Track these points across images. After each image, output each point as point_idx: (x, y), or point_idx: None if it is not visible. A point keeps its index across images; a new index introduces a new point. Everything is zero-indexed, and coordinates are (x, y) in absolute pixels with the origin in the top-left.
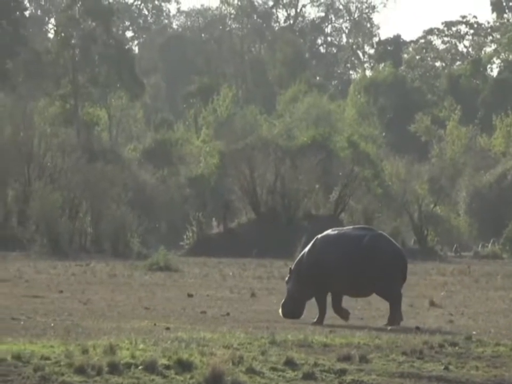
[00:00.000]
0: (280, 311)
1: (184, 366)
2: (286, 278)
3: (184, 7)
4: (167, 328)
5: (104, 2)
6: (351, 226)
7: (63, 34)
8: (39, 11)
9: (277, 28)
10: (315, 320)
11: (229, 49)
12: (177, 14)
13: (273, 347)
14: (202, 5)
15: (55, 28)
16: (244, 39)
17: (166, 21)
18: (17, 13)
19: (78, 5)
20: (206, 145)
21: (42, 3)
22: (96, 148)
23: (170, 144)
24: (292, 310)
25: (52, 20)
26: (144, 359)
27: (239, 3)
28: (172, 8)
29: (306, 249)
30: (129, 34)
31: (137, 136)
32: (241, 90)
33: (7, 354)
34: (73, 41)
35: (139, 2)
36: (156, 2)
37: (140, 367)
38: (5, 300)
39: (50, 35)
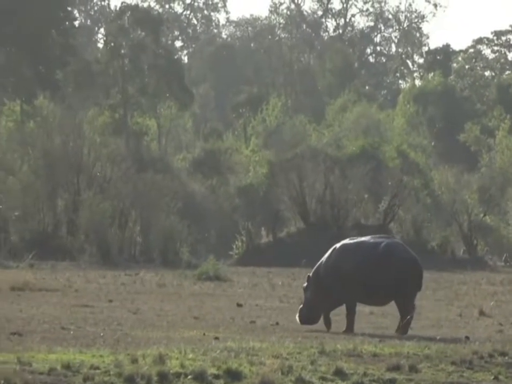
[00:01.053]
0: (297, 317)
1: (233, 376)
2: (304, 285)
3: (233, 17)
4: (216, 338)
5: (153, 12)
6: (369, 236)
7: (112, 44)
8: (88, 21)
9: (326, 38)
10: (344, 329)
11: (278, 58)
12: (227, 24)
13: (323, 357)
14: (251, 15)
15: (104, 38)
16: (293, 49)
17: (216, 31)
18: (67, 23)
19: (128, 15)
20: (255, 154)
21: (92, 13)
22: (145, 158)
23: (219, 154)
24: (309, 317)
25: (102, 30)
26: (193, 368)
27: (288, 13)
28: (221, 18)
29: (325, 257)
30: (178, 44)
31: (186, 145)
32: (290, 100)
33: (57, 363)
34: (122, 51)
35: (188, 12)
36: (205, 12)
37: (189, 377)
38: (54, 309)
39: (100, 45)
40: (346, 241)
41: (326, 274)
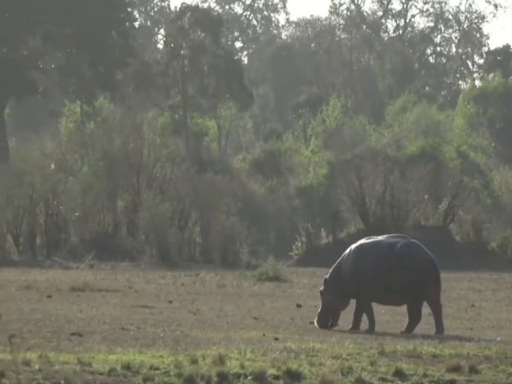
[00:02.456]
0: (315, 321)
1: (293, 377)
2: (321, 288)
3: (293, 18)
4: (276, 339)
5: (213, 13)
6: (385, 235)
7: (172, 45)
8: (148, 22)
9: (386, 38)
10: (367, 328)
11: (338, 59)
12: (286, 25)
13: (382, 358)
14: (311, 15)
15: (164, 39)
16: (353, 50)
17: (275, 32)
18: (127, 23)
19: (188, 16)
20: (315, 155)
21: (152, 14)
22: (205, 158)
23: (279, 155)
24: (327, 319)
25: (162, 31)
26: (253, 369)
27: (349, 13)
28: (281, 18)
29: (341, 258)
30: (238, 44)
31: (246, 146)
32: (350, 101)
33: (117, 364)
34: (182, 52)
35: (248, 13)
36: (265, 12)
37: (249, 378)
38: (114, 310)
39: (160, 46)
40: (363, 241)
41: (344, 275)
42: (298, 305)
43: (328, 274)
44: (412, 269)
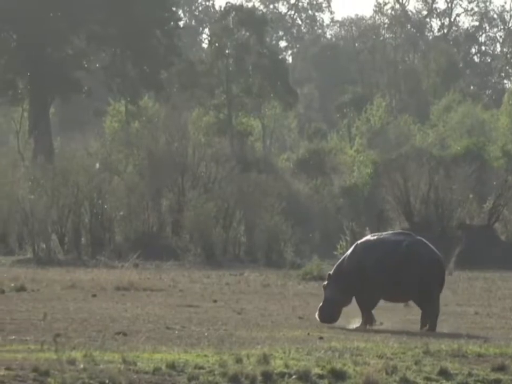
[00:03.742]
0: (317, 315)
1: (337, 376)
2: (324, 283)
3: (337, 17)
4: (321, 338)
5: (258, 12)
6: (391, 232)
7: (217, 45)
8: (193, 21)
9: (430, 37)
10: (359, 324)
11: (383, 58)
12: (331, 24)
13: (427, 357)
14: (356, 15)
15: (209, 38)
16: (397, 49)
17: (320, 31)
18: (172, 23)
19: (232, 15)
20: (360, 154)
21: (197, 13)
22: (249, 158)
23: (323, 154)
24: (329, 314)
25: (206, 30)
26: (297, 368)
27: (393, 12)
28: (326, 17)
29: (347, 254)
30: (282, 44)
31: (290, 146)
32: (394, 100)
33: (162, 363)
34: (227, 51)
35: (293, 12)
36: (310, 12)
37: (294, 377)
38: (159, 309)
39: (204, 45)
40: (369, 237)
41: (349, 271)
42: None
43: (332, 270)
44: (418, 267)
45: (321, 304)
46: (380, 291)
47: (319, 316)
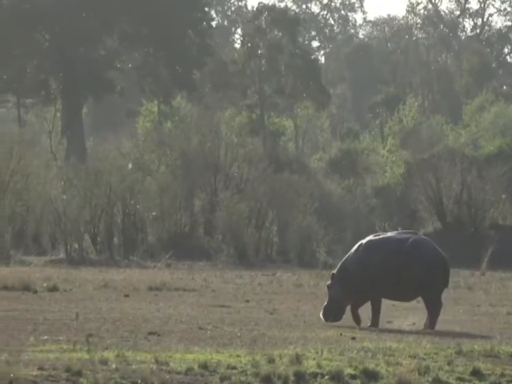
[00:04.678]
0: (321, 314)
1: (370, 376)
2: (328, 283)
3: (370, 17)
4: (353, 338)
5: (290, 12)
6: (395, 231)
7: (249, 45)
8: (225, 21)
9: (463, 38)
10: (370, 324)
11: (415, 59)
12: (364, 24)
13: (460, 357)
14: (388, 15)
15: (241, 38)
16: (430, 49)
17: (352, 31)
18: (204, 23)
19: (265, 15)
20: (392, 155)
21: (229, 13)
22: (282, 158)
23: (356, 154)
24: (333, 314)
25: (239, 30)
26: (330, 368)
27: (426, 13)
28: (358, 17)
29: (350, 253)
30: (315, 44)
31: (323, 146)
32: (427, 100)
33: (194, 363)
34: (259, 52)
35: (325, 12)
36: (342, 12)
37: (326, 377)
38: (192, 309)
39: (237, 45)
40: (372, 237)
41: (353, 271)
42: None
43: (336, 270)
44: (422, 266)
45: (325, 303)
46: (383, 290)
47: (323, 315)
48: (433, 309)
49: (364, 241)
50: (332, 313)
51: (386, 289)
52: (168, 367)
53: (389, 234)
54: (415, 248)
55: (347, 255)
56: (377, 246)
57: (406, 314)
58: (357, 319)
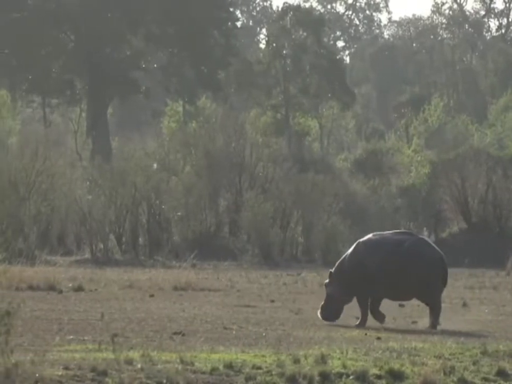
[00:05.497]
0: (319, 313)
1: (395, 376)
2: (326, 282)
3: (395, 17)
4: (378, 338)
5: (315, 13)
6: (392, 231)
7: (274, 45)
8: (250, 21)
9: (488, 37)
10: (357, 323)
11: (440, 58)
12: (389, 24)
13: (485, 357)
14: (413, 15)
15: (266, 38)
16: (455, 49)
17: (377, 31)
18: (229, 23)
19: (290, 15)
20: (417, 155)
21: (254, 14)
22: (307, 158)
23: (381, 154)
24: (331, 312)
25: (264, 30)
26: (355, 369)
27: (451, 12)
28: (383, 18)
29: (348, 253)
30: (340, 44)
31: (348, 146)
32: (452, 100)
33: (219, 363)
34: (284, 52)
35: (350, 12)
36: (367, 12)
37: (351, 377)
38: (217, 309)
39: (262, 45)
40: (371, 236)
41: (351, 270)
42: (401, 305)
43: (334, 268)
44: (421, 266)
45: (323, 302)
46: (381, 290)
47: (321, 313)
48: (434, 308)
49: (362, 240)
50: (330, 312)
51: (384, 289)
52: (193, 367)
53: (387, 234)
54: (414, 248)
55: (345, 253)
56: (376, 246)
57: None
58: (378, 317)
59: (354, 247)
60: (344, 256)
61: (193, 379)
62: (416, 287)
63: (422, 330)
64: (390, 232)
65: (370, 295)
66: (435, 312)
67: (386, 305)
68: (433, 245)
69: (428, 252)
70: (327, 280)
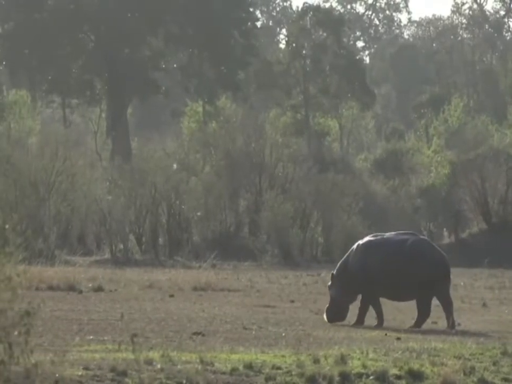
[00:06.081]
0: (324, 315)
1: (415, 376)
2: (329, 284)
3: (415, 17)
4: (398, 338)
5: (335, 13)
6: (394, 232)
7: (294, 45)
8: (270, 22)
9: (508, 37)
10: (354, 322)
11: (460, 59)
12: (408, 24)
13: (505, 358)
14: (433, 15)
15: (286, 39)
16: (475, 49)
17: (397, 31)
18: (249, 23)
19: (309, 15)
20: (437, 155)
21: (274, 14)
22: (327, 158)
23: (401, 154)
24: (336, 314)
25: (283, 31)
26: (375, 369)
27: (471, 13)
28: (403, 18)
29: (349, 253)
30: (360, 44)
31: (368, 146)
32: (472, 100)
33: (239, 363)
34: (304, 52)
35: (370, 13)
36: (387, 12)
37: (371, 377)
38: (236, 309)
39: (282, 45)
40: (371, 237)
41: (352, 271)
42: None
43: (335, 270)
44: (423, 266)
45: (328, 304)
46: (382, 290)
47: (326, 315)
48: (447, 307)
49: (362, 241)
50: (334, 314)
51: (385, 290)
52: (213, 367)
53: (388, 235)
54: (416, 249)
55: (346, 254)
56: (377, 247)
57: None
58: (362, 318)
59: (355, 248)
60: (345, 257)
61: (213, 379)
62: (419, 287)
63: (442, 330)
64: (391, 233)
65: (372, 295)
66: (447, 310)
67: (410, 305)
68: (435, 245)
69: (431, 252)
70: (329, 282)
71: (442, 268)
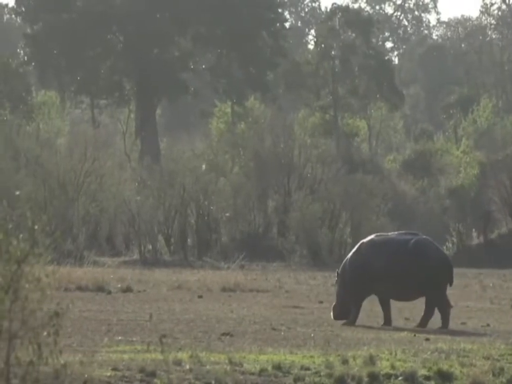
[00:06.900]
0: (331, 314)
1: (444, 377)
2: (334, 282)
3: (444, 18)
4: (427, 339)
5: (364, 13)
6: (396, 232)
7: (323, 46)
8: (299, 22)
9: None
10: (383, 322)
11: (489, 59)
12: (437, 25)
13: None
14: (462, 15)
15: (315, 39)
16: (504, 49)
17: (426, 32)
18: (278, 24)
19: (338, 16)
20: (466, 156)
21: (303, 14)
22: (355, 159)
23: (430, 155)
24: (342, 312)
25: (312, 31)
26: (404, 369)
27: (500, 13)
28: (432, 18)
29: (352, 252)
30: (389, 45)
31: (396, 146)
32: (501, 101)
33: (268, 364)
34: (333, 52)
35: (399, 13)
36: (416, 13)
37: (400, 378)
38: (265, 310)
39: (310, 46)
40: (374, 237)
41: (355, 270)
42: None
43: (340, 269)
44: (427, 266)
45: (334, 303)
46: (386, 290)
47: (333, 313)
48: (442, 308)
49: (365, 240)
50: (340, 312)
51: (387, 289)
52: (242, 368)
53: (392, 234)
54: (418, 249)
55: (350, 253)
56: (380, 247)
57: (480, 315)
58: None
59: (358, 248)
60: (349, 255)
61: (242, 380)
62: (422, 287)
63: (471, 331)
64: (394, 232)
65: (375, 295)
66: (443, 311)
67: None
68: (437, 245)
69: (433, 252)
70: (335, 280)
71: (446, 268)
